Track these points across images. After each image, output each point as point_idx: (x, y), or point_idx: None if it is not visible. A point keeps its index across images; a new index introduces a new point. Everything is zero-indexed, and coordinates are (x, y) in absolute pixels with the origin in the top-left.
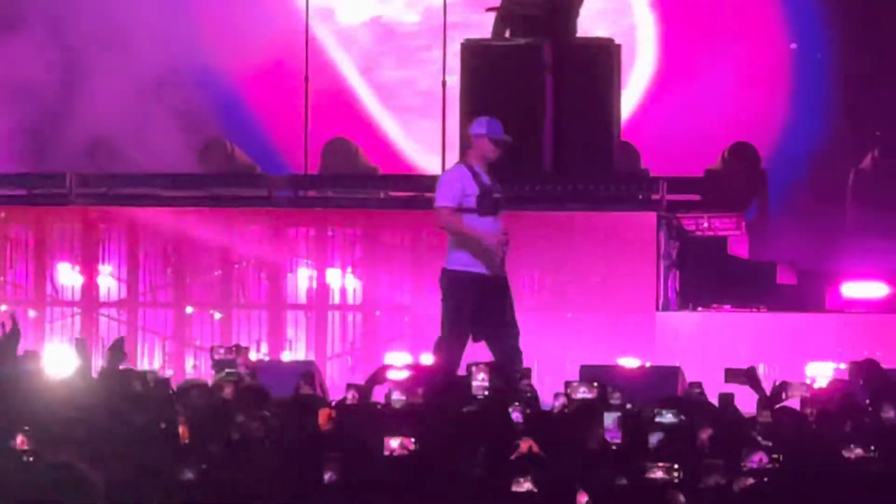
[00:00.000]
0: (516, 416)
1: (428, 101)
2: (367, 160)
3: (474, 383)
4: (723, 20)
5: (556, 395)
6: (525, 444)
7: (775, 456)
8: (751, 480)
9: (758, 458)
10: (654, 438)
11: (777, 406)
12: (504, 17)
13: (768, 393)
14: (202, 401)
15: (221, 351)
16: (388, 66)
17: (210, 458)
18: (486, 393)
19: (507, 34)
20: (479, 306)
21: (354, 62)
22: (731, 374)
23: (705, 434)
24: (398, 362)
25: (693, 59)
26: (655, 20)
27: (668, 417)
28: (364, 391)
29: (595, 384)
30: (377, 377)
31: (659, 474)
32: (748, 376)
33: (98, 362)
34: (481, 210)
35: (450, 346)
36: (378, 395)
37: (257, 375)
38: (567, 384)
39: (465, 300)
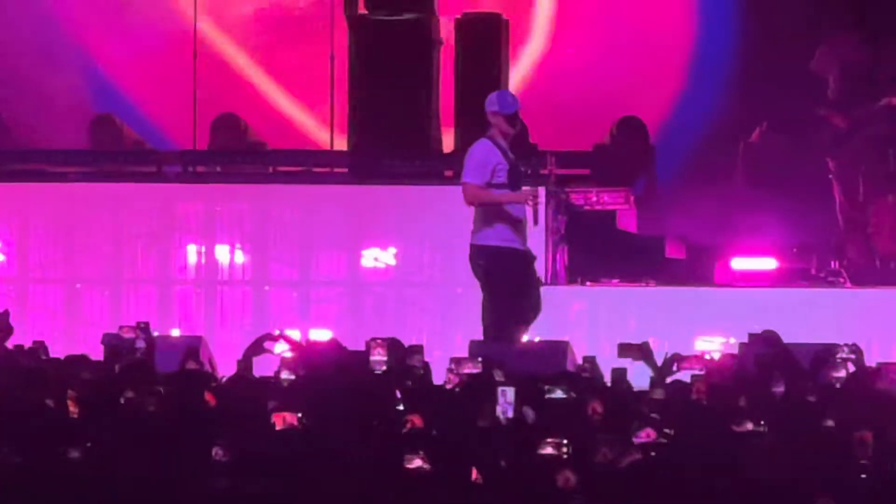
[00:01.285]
0: (406, 392)
1: (323, 80)
2: (256, 136)
3: (372, 359)
4: None
5: (448, 371)
6: (413, 421)
7: (666, 431)
8: (638, 455)
9: (646, 434)
10: (529, 414)
11: (669, 378)
12: None
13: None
14: (91, 377)
15: (126, 329)
16: (282, 51)
17: (99, 436)
18: (384, 369)
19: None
20: (527, 279)
21: (247, 52)
22: (625, 349)
23: (595, 409)
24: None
25: (584, 33)
26: None
27: (556, 393)
28: (244, 364)
29: (480, 360)
30: (255, 348)
31: (548, 450)
32: (641, 351)
33: None
34: (512, 184)
35: (511, 324)
36: (269, 371)
37: (154, 352)
38: (452, 360)
39: (516, 275)
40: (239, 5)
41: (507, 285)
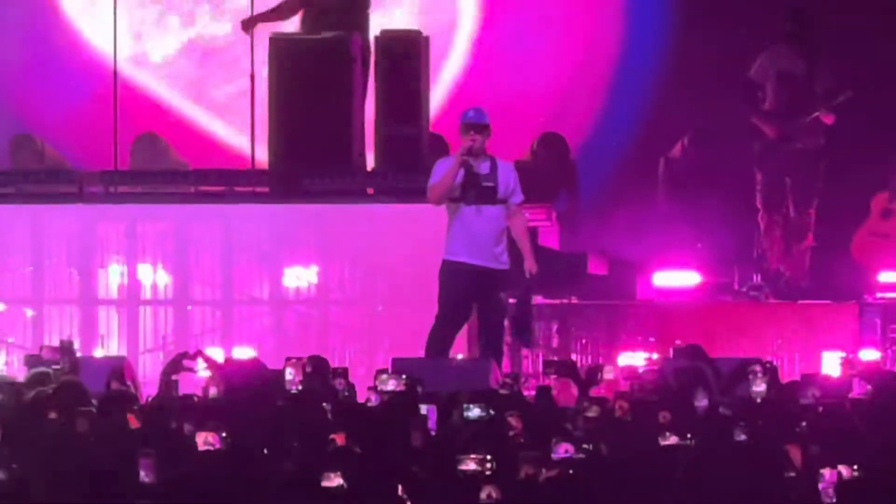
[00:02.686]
0: (329, 410)
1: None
2: (178, 155)
3: (286, 378)
4: (544, 14)
5: (369, 389)
6: (339, 439)
7: (585, 446)
8: (555, 471)
9: (563, 449)
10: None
11: (592, 388)
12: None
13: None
14: (11, 399)
15: (49, 349)
16: (204, 75)
17: (22, 458)
18: (299, 388)
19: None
20: (469, 295)
21: (181, 89)
22: (548, 366)
23: (513, 426)
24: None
25: (505, 50)
26: (477, 11)
27: (475, 411)
28: (164, 382)
29: (403, 376)
30: (173, 367)
31: (471, 466)
32: (566, 367)
33: None
34: (465, 198)
35: (437, 334)
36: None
37: (78, 372)
38: (376, 376)
39: (451, 289)
40: (162, 41)
41: (440, 297)
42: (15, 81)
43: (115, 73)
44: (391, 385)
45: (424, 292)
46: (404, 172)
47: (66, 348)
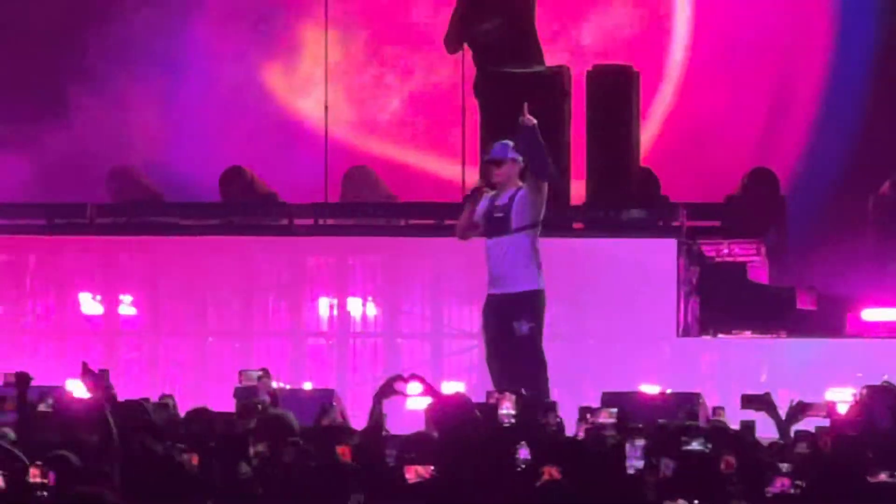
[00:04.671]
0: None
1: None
2: (387, 188)
3: (500, 412)
4: (751, 47)
5: (579, 423)
6: (548, 472)
7: (798, 483)
8: None
9: (780, 484)
10: (669, 467)
11: (794, 427)
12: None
13: (784, 417)
14: (219, 429)
15: (249, 375)
16: (416, 116)
17: (227, 490)
18: (513, 421)
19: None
20: (490, 326)
21: (407, 141)
22: (748, 401)
23: (728, 462)
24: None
25: (715, 84)
26: (685, 46)
27: (694, 445)
28: (376, 409)
29: (614, 409)
30: (385, 391)
31: None
32: (764, 402)
33: None
34: (483, 231)
35: (488, 367)
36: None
37: (279, 403)
38: (588, 410)
39: (484, 321)
40: (385, 101)
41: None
42: (226, 117)
43: (325, 108)
44: (601, 418)
45: (634, 326)
46: (615, 207)
47: (262, 378)
